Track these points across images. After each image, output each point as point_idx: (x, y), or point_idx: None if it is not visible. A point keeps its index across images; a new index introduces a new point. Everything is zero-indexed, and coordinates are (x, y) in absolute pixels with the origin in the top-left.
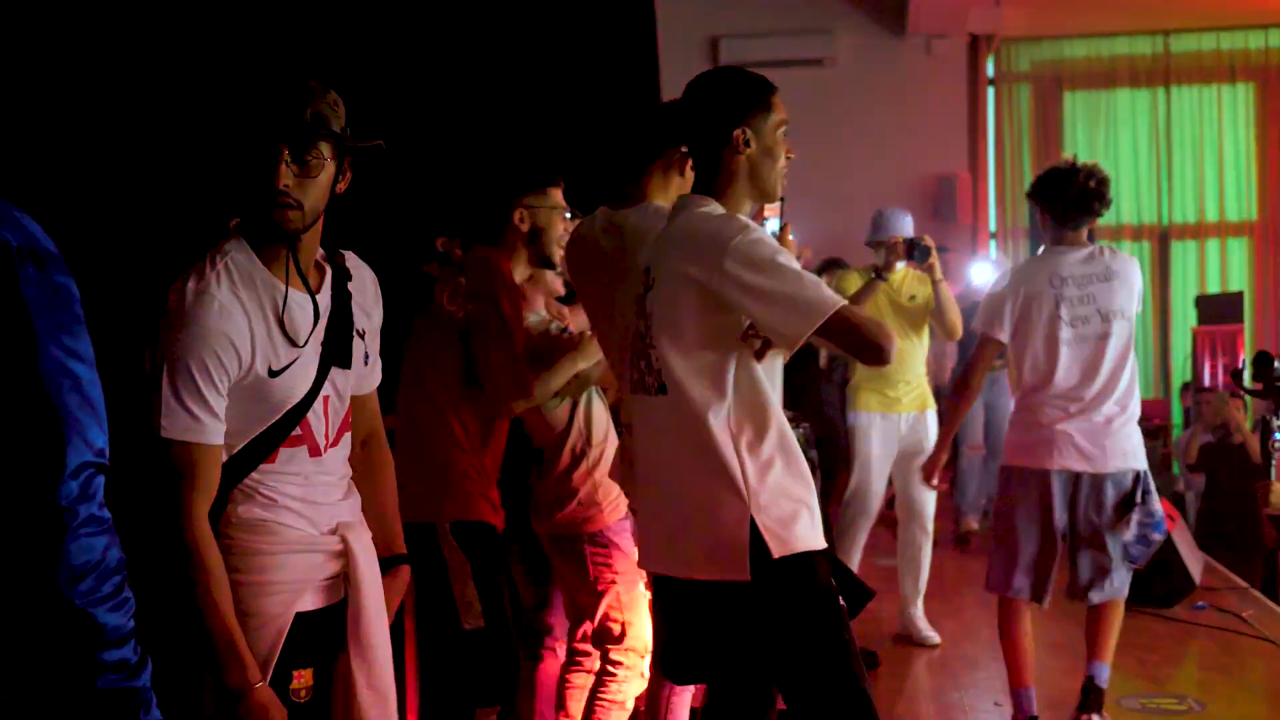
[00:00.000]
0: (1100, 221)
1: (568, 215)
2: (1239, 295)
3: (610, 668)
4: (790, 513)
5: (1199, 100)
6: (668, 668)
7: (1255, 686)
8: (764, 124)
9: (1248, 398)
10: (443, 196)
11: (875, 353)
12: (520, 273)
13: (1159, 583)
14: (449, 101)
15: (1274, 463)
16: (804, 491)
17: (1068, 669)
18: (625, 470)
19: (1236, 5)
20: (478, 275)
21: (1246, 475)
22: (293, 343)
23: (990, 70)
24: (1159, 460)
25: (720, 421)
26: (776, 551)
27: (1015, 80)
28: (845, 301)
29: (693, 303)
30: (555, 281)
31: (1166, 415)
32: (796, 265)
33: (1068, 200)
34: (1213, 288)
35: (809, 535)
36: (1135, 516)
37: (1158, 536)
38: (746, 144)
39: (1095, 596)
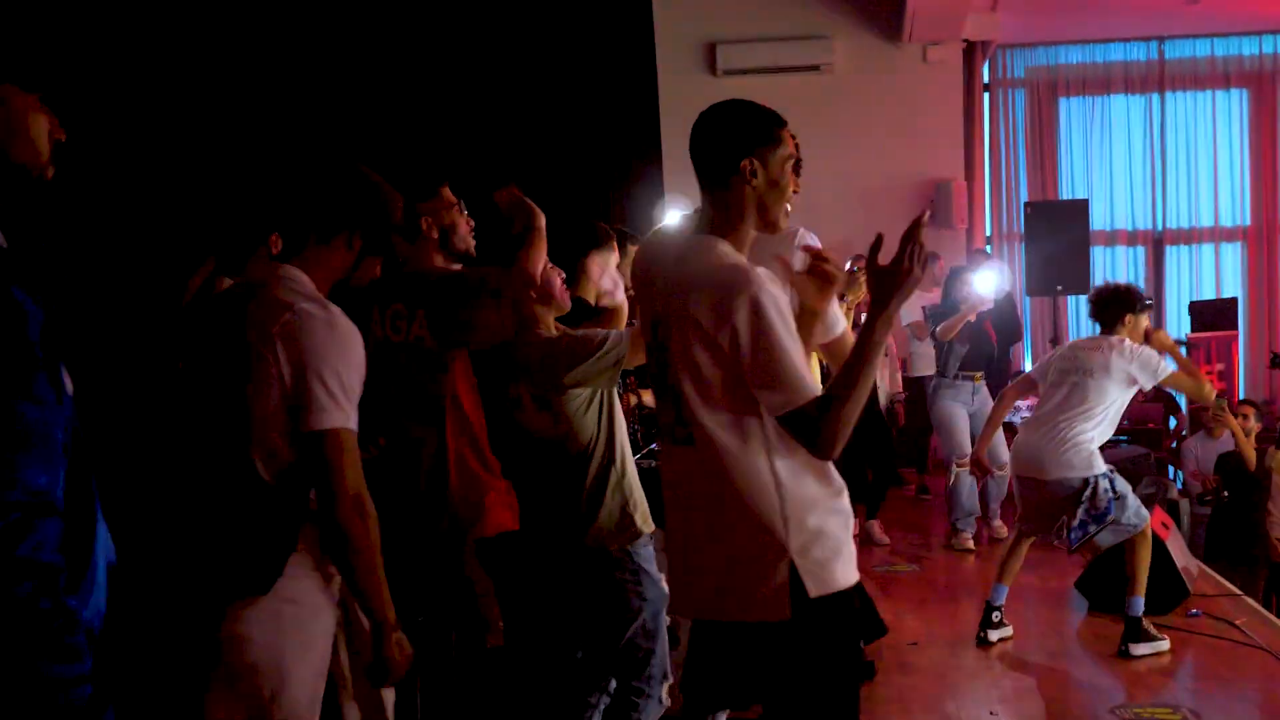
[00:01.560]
0: (1094, 228)
1: (463, 208)
2: (1233, 301)
3: (633, 696)
4: (830, 553)
5: (1193, 106)
6: (692, 694)
7: (1250, 695)
8: (772, 156)
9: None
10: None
11: (823, 452)
12: (548, 319)
13: (1153, 590)
14: (445, 107)
15: None
16: (841, 530)
17: None
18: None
19: (1230, 12)
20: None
21: (1248, 486)
22: None
23: (985, 76)
24: (1153, 466)
25: (755, 469)
26: (814, 591)
27: (1010, 86)
28: (814, 395)
29: (706, 352)
30: (564, 297)
31: (1161, 420)
32: (789, 343)
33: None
34: (1207, 293)
35: (845, 573)
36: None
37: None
38: (754, 175)
39: None
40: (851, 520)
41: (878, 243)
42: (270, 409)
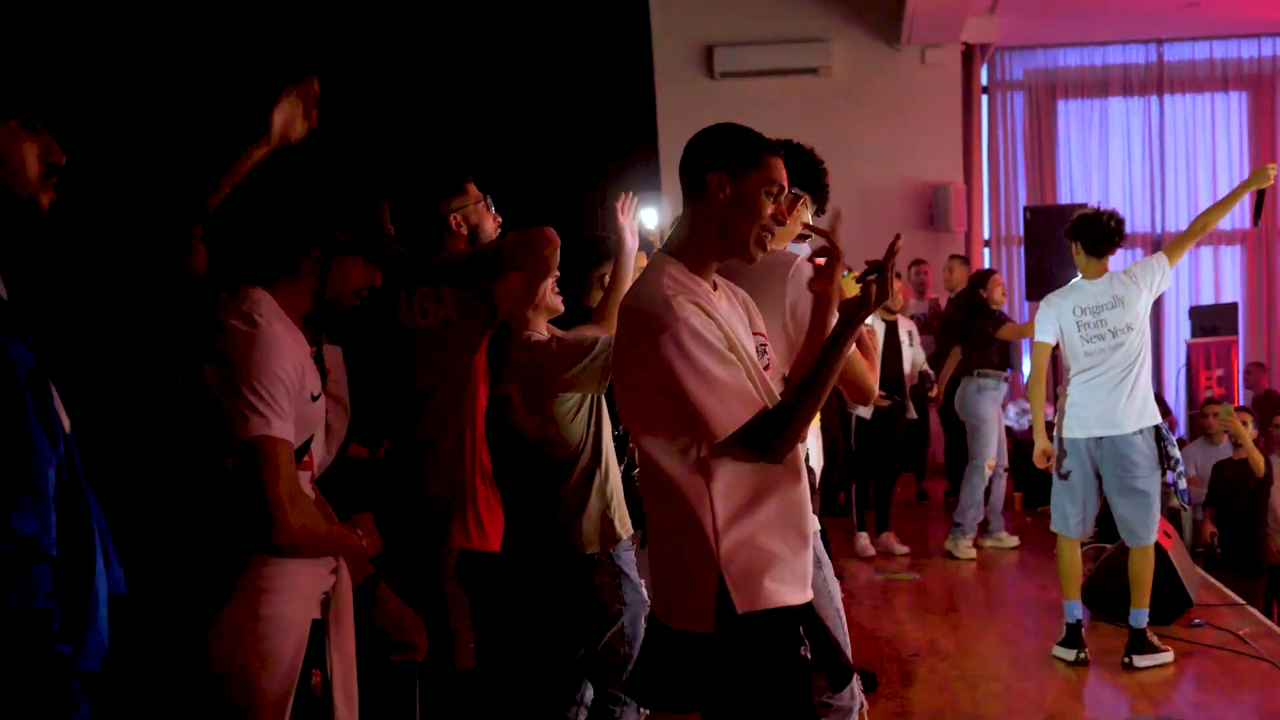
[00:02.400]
0: None
1: (491, 207)
2: (1233, 306)
3: (609, 704)
4: (760, 568)
5: (1192, 109)
6: (634, 692)
7: (1254, 707)
8: (746, 176)
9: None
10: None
11: (772, 458)
12: (539, 323)
13: (1156, 600)
14: (442, 107)
15: None
16: (779, 545)
17: None
18: None
19: (1229, 15)
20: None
21: (1250, 491)
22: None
23: (984, 79)
24: None
25: (690, 480)
26: (741, 606)
27: (1009, 89)
28: (754, 410)
29: (639, 375)
30: (556, 300)
31: None
32: (717, 370)
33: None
34: (1206, 297)
35: (779, 591)
36: None
37: None
38: (720, 189)
39: None
40: (807, 540)
41: (895, 245)
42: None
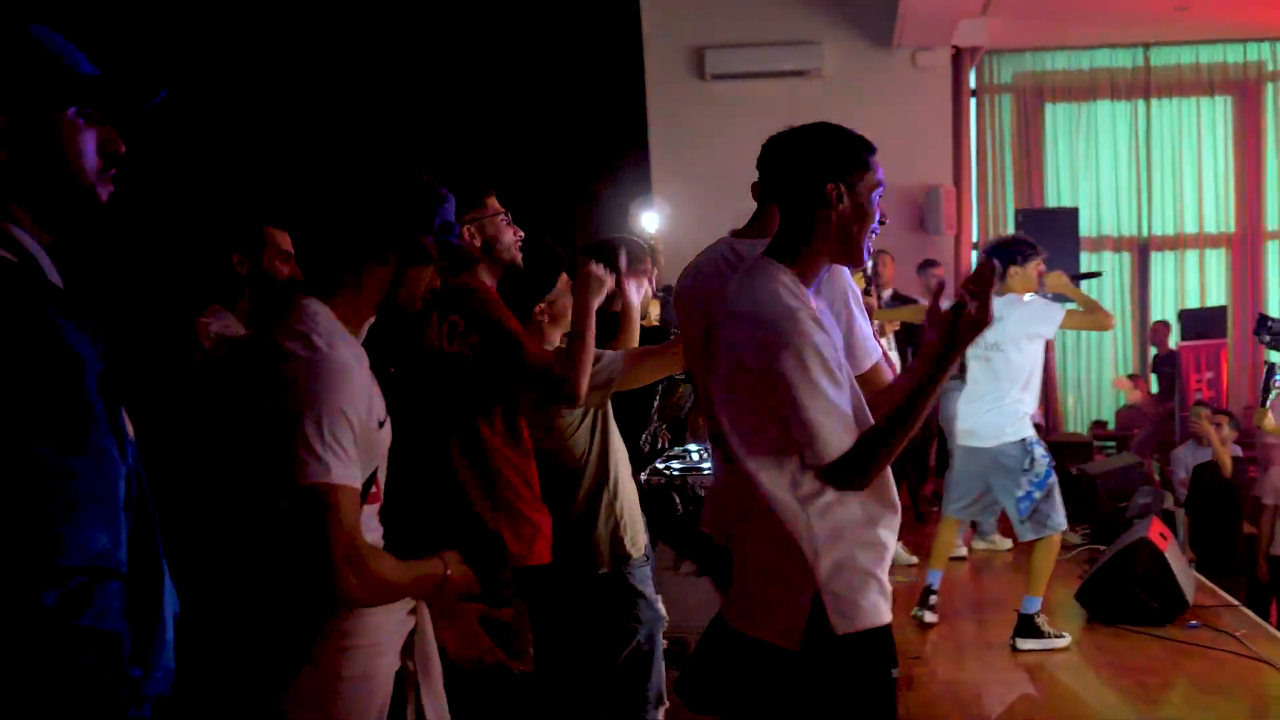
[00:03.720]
0: (1081, 233)
1: (509, 219)
2: (1222, 310)
3: None
4: (857, 587)
5: (1178, 113)
6: (687, 694)
7: (1252, 709)
8: (860, 183)
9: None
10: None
11: (859, 488)
12: (554, 339)
13: (1152, 602)
14: (433, 110)
15: (1272, 396)
16: (873, 563)
17: None
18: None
19: (1215, 19)
20: (472, 307)
21: (1224, 494)
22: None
23: (973, 82)
24: (1148, 475)
25: (784, 497)
26: (840, 627)
27: (997, 92)
28: (845, 449)
29: (746, 383)
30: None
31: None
32: (831, 395)
33: None
34: (1192, 299)
35: (875, 610)
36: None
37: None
38: (840, 200)
39: None
40: (889, 554)
41: (991, 271)
42: (274, 466)
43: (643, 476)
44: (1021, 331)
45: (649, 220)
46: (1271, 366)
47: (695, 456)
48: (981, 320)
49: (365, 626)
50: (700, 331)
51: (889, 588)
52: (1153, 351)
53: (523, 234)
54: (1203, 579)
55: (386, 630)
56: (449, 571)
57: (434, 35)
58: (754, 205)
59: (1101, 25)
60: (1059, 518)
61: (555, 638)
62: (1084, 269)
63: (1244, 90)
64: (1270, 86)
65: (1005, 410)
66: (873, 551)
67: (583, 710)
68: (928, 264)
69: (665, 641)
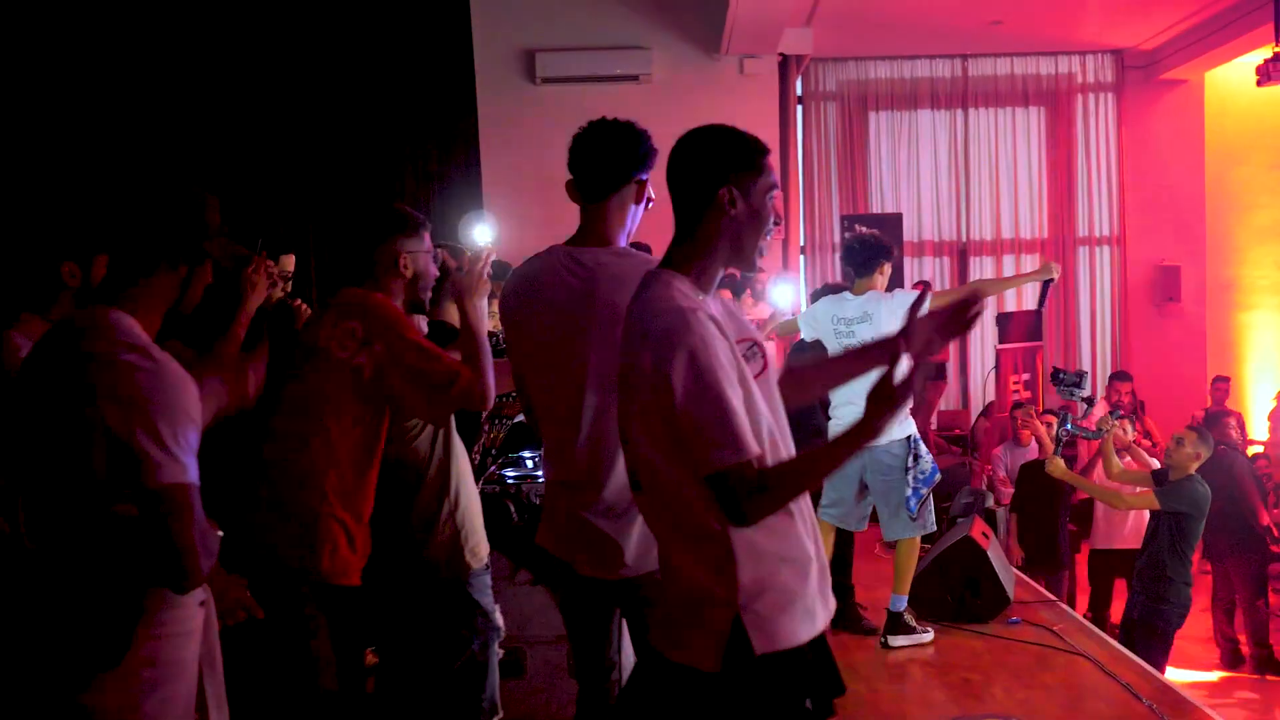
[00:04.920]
0: (905, 238)
1: (437, 261)
2: (1037, 314)
3: None
4: (780, 607)
5: (995, 122)
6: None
7: (1069, 700)
8: (753, 185)
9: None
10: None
11: (739, 523)
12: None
13: (974, 600)
14: (251, 115)
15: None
16: (795, 579)
17: None
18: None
19: (1029, 33)
20: (376, 317)
21: (1049, 493)
22: None
23: (799, 89)
24: (967, 473)
25: (700, 516)
26: (760, 647)
27: (823, 99)
28: (747, 457)
29: (648, 397)
30: (421, 322)
31: (967, 427)
32: (727, 398)
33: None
34: (1009, 302)
35: (796, 628)
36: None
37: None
38: (732, 204)
39: None
40: (814, 568)
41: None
42: (105, 470)
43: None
44: (894, 325)
45: (481, 233)
46: (1064, 416)
47: (530, 464)
48: (904, 395)
49: (176, 615)
50: (547, 333)
51: (811, 601)
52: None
53: (439, 276)
54: (1022, 575)
55: (193, 619)
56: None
57: (259, 31)
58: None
59: (921, 36)
60: (932, 517)
61: (391, 645)
62: (906, 275)
63: (1054, 100)
64: (1079, 98)
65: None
66: (795, 566)
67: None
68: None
69: (500, 651)
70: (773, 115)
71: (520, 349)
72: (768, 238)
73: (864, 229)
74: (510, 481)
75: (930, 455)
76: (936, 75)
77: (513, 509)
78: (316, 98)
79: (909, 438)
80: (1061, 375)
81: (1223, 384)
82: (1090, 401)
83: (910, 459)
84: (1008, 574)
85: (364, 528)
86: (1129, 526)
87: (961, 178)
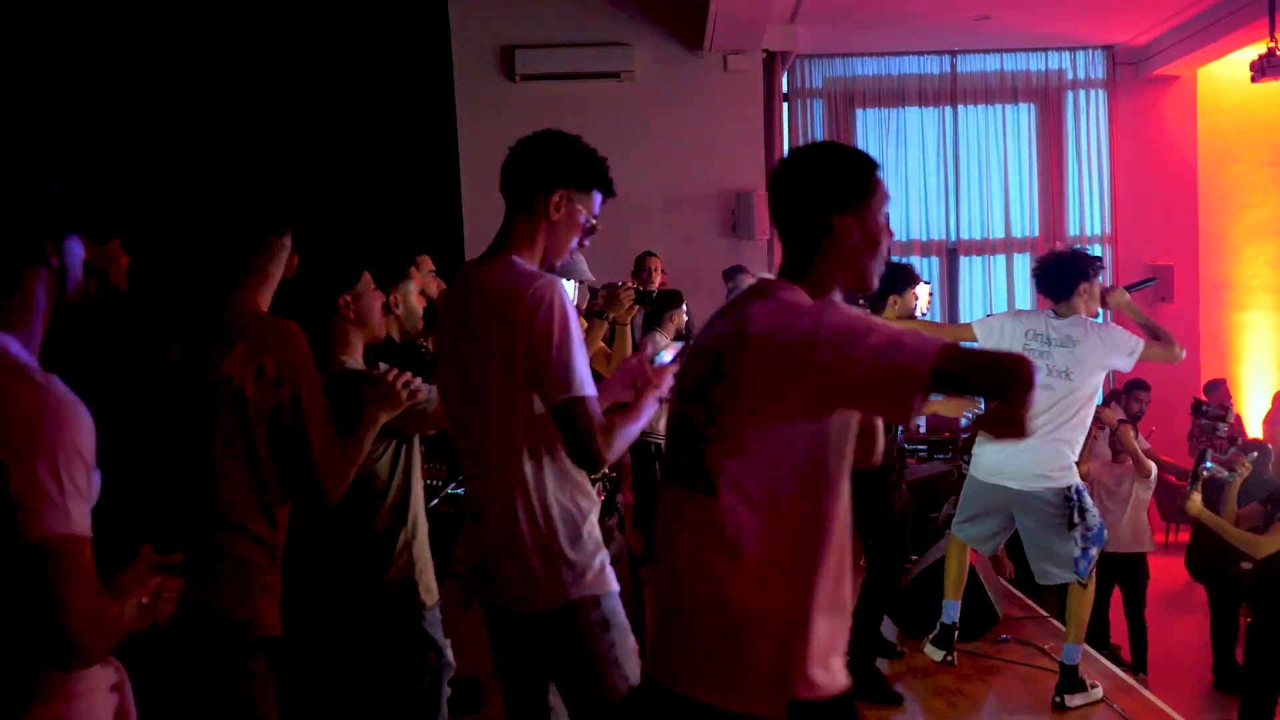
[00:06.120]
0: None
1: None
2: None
3: None
4: (836, 646)
5: (984, 119)
6: None
7: None
8: (869, 208)
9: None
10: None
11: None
12: (358, 346)
13: (964, 616)
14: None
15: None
16: (844, 620)
17: None
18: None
19: (1018, 29)
20: (293, 357)
21: None
22: None
23: (784, 86)
24: (956, 480)
25: (779, 533)
26: (806, 693)
27: (809, 97)
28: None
29: (771, 412)
30: (380, 327)
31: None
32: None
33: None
34: (999, 303)
35: (843, 673)
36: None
37: None
38: (848, 233)
39: None
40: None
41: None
42: None
43: (433, 502)
44: (1095, 360)
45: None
46: (1203, 453)
47: None
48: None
49: (89, 673)
50: (462, 347)
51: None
52: None
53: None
54: (1011, 589)
55: (104, 675)
56: (145, 600)
57: (228, 37)
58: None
59: (908, 32)
60: (1092, 566)
61: (342, 678)
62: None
63: (1044, 97)
64: (1070, 95)
65: (1048, 450)
66: (844, 612)
67: None
68: (737, 270)
69: (448, 690)
70: (757, 113)
71: (460, 364)
72: (883, 257)
73: (1061, 247)
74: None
75: (1097, 510)
76: (924, 71)
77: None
78: (290, 96)
79: (1070, 488)
80: (1205, 408)
81: (1220, 386)
82: (1233, 441)
83: (1076, 514)
84: (996, 590)
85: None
86: (1127, 531)
87: (950, 176)
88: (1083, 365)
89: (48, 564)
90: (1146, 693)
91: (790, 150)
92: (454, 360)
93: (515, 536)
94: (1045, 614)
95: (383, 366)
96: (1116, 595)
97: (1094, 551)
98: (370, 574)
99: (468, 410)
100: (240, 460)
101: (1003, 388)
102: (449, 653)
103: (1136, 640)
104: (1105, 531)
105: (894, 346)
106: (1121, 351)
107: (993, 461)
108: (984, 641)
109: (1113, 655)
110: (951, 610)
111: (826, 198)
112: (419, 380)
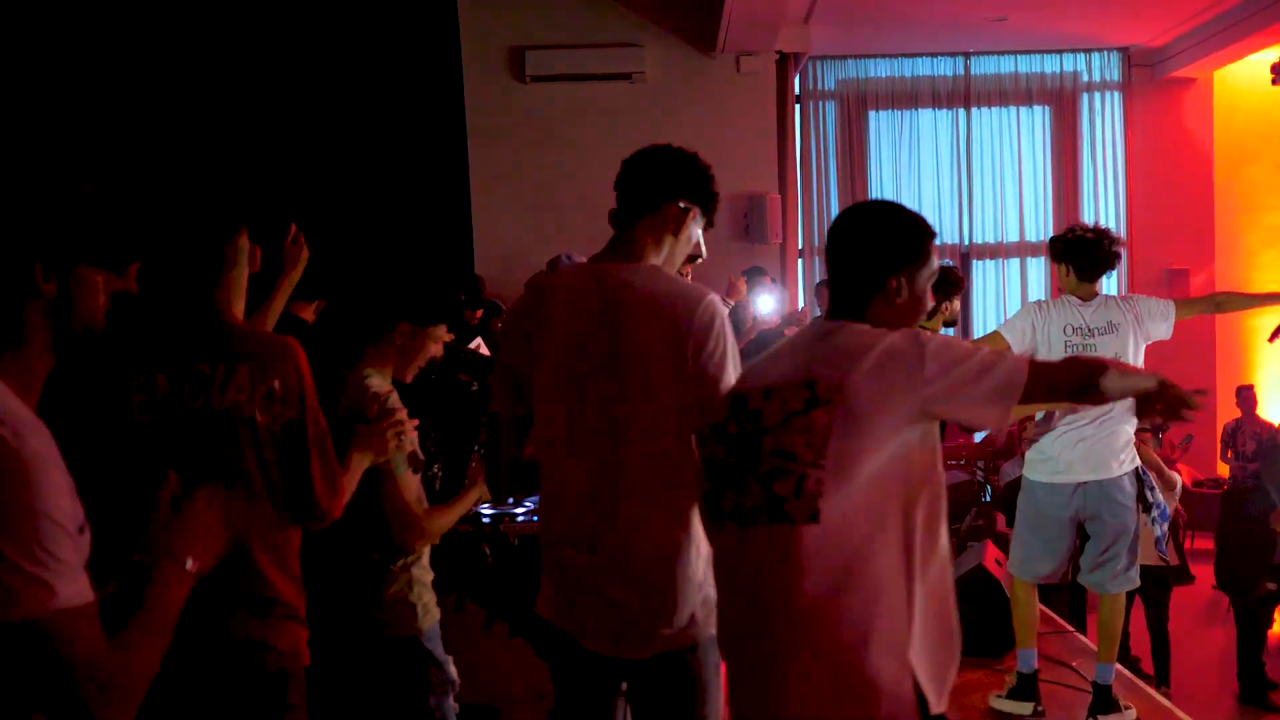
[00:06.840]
0: None
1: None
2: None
3: None
4: (947, 661)
5: (998, 122)
6: None
7: None
8: (918, 274)
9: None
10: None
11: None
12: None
13: (987, 632)
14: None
15: None
16: (957, 638)
17: None
18: None
19: (1033, 31)
20: (290, 373)
21: None
22: None
23: (797, 88)
24: (979, 494)
25: (890, 555)
26: (936, 707)
27: (821, 98)
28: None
29: (883, 427)
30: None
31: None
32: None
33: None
34: (1013, 307)
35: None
36: None
37: None
38: (898, 293)
39: None
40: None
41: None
42: None
43: None
44: (1139, 339)
45: (764, 303)
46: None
47: (509, 501)
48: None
49: None
50: (562, 343)
51: None
52: None
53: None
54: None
55: None
56: None
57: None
58: (578, 215)
59: (922, 34)
60: (1136, 571)
61: (343, 698)
62: None
63: (1060, 100)
64: (1085, 97)
65: (1119, 432)
66: (954, 630)
67: None
68: (755, 271)
69: (455, 705)
70: (770, 115)
71: (551, 366)
72: (923, 317)
73: (1082, 225)
74: (486, 520)
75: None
76: (938, 73)
77: (488, 551)
78: (300, 95)
79: (1138, 468)
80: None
81: (1248, 392)
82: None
83: (1148, 491)
84: None
85: None
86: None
87: (964, 178)
88: (1128, 347)
89: (33, 647)
90: (1178, 711)
91: (855, 205)
92: (570, 362)
93: (669, 575)
94: (1071, 628)
95: (387, 406)
96: (1138, 606)
97: (1164, 526)
98: (369, 593)
99: (584, 421)
100: (260, 489)
101: (1092, 380)
102: (451, 669)
103: (1159, 653)
104: (1167, 509)
105: (992, 359)
106: (1158, 318)
107: (1062, 461)
108: (1008, 657)
109: (1133, 667)
110: (1029, 659)
111: (884, 257)
112: (414, 425)
